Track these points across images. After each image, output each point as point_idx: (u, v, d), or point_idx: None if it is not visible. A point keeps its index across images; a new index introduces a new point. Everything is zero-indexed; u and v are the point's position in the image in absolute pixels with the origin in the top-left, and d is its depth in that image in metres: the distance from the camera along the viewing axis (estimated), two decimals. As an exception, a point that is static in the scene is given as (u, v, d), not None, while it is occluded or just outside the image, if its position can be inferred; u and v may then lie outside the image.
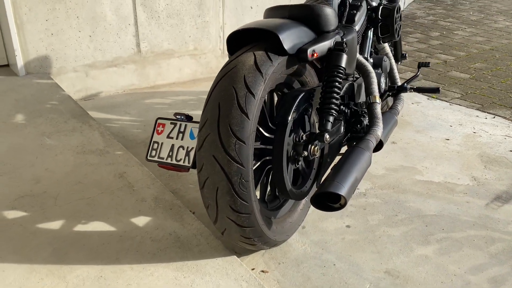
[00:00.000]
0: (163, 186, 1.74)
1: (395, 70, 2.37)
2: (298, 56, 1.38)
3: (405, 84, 2.26)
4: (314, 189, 1.63)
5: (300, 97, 1.40)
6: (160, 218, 1.57)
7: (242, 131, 1.22)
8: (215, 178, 1.24)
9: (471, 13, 6.16)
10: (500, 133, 2.66)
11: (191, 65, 3.38)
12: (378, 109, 1.77)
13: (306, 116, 1.50)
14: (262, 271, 1.47)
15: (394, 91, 2.26)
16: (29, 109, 2.28)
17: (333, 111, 1.45)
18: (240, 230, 1.31)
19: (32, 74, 2.71)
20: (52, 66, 2.78)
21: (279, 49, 1.34)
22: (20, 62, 2.66)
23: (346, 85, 1.75)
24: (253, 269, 1.48)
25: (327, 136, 1.43)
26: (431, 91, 2.22)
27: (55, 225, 1.50)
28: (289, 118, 1.36)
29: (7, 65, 2.84)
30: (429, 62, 2.36)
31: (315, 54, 1.40)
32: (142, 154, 2.19)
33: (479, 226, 1.74)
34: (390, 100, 2.60)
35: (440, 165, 2.24)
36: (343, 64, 1.47)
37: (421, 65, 2.39)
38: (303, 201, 1.66)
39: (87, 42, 2.86)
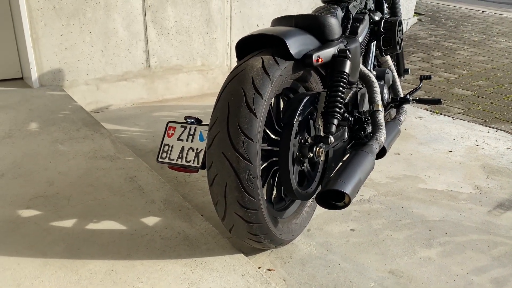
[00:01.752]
0: (172, 189, 1.79)
1: (398, 83, 2.43)
2: (304, 61, 1.45)
3: (408, 95, 2.32)
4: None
5: (305, 99, 1.47)
6: (169, 218, 1.61)
7: (250, 129, 1.27)
8: (224, 175, 1.29)
9: (473, 34, 6.27)
10: (503, 146, 2.70)
11: (199, 80, 3.47)
12: (381, 116, 1.83)
13: (311, 120, 1.56)
14: (268, 270, 1.51)
15: (397, 102, 2.32)
16: (42, 118, 2.36)
17: (337, 114, 1.51)
18: (248, 226, 1.35)
19: (46, 87, 2.80)
20: (65, 79, 2.87)
21: (285, 55, 1.41)
22: (34, 74, 2.75)
23: (350, 93, 1.81)
24: (259, 267, 1.51)
25: (331, 138, 1.49)
26: (433, 103, 2.28)
27: (68, 223, 1.55)
28: (295, 118, 1.42)
29: (21, 78, 2.94)
30: (430, 75, 2.43)
31: (320, 60, 1.47)
32: (151, 162, 2.25)
33: (482, 231, 1.77)
34: (393, 112, 2.66)
35: (443, 174, 2.28)
36: (347, 70, 1.54)
37: (423, 77, 2.46)
38: (308, 204, 1.70)
39: (99, 56, 2.95)
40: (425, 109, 3.40)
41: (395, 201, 1.99)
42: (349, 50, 1.56)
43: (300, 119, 1.44)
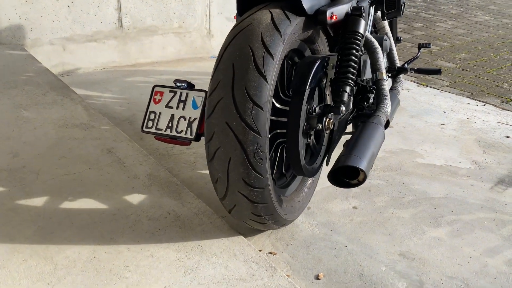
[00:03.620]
0: (157, 163, 1.60)
1: (395, 51, 2.28)
2: (316, 17, 1.26)
3: (405, 65, 2.18)
4: (324, 166, 1.52)
5: (317, 63, 1.29)
6: (156, 196, 1.43)
7: (260, 95, 1.09)
8: (228, 148, 1.11)
9: (450, 6, 6.21)
10: (493, 120, 2.63)
11: (175, 44, 3.21)
12: (386, 86, 1.67)
13: (319, 87, 1.39)
14: (270, 253, 1.36)
15: (394, 72, 2.18)
16: (1, 81, 2.07)
17: (350, 81, 1.34)
18: (252, 206, 1.19)
19: (4, 45, 2.48)
20: (26, 37, 2.56)
21: (296, 9, 1.22)
22: (-10, 30, 2.43)
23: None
24: (260, 250, 1.36)
25: (343, 108, 1.33)
26: (433, 73, 2.14)
27: (38, 201, 1.33)
28: (307, 85, 1.24)
29: (-25, 35, 2.60)
30: (429, 43, 2.29)
31: (334, 17, 1.29)
32: (129, 131, 2.03)
33: (487, 209, 1.68)
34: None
35: (439, 148, 2.18)
36: (361, 30, 1.37)
37: (421, 46, 2.31)
38: (310, 180, 1.55)
39: (65, 13, 2.65)
40: (411, 80, 3.29)
41: (395, 176, 1.87)
42: (363, 9, 1.39)
43: (312, 84, 1.26)
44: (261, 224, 1.28)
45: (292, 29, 1.18)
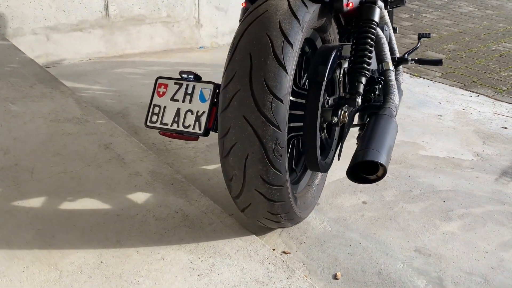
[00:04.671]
0: (159, 159, 1.52)
1: (394, 41, 2.24)
2: (332, 4, 1.20)
3: (406, 55, 2.15)
4: (336, 160, 1.47)
5: (334, 53, 1.22)
6: (160, 194, 1.35)
7: (280, 87, 1.02)
8: (245, 144, 1.04)
9: (434, -3, 6.23)
10: (488, 111, 2.63)
11: (163, 34, 3.10)
12: (392, 76, 1.63)
13: (332, 79, 1.33)
14: (284, 252, 1.30)
15: (394, 62, 2.13)
16: (-16, 72, 1.95)
17: (365, 71, 1.28)
18: (269, 205, 1.12)
19: (-16, 34, 2.34)
20: (7, 26, 2.42)
21: (312, -4, 1.15)
22: (-31, 19, 2.28)
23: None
24: (273, 249, 1.30)
25: (359, 100, 1.27)
26: (434, 63, 2.11)
27: (35, 202, 1.24)
28: (325, 76, 1.18)
29: (-48, 24, 2.44)
30: (429, 33, 2.26)
31: (350, 4, 1.23)
32: (124, 125, 1.93)
33: (495, 201, 1.66)
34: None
35: (440, 140, 2.16)
36: (376, 18, 1.31)
37: (421, 36, 2.28)
38: (319, 175, 1.50)
39: (49, 0, 2.51)
40: (404, 71, 3.27)
41: (400, 169, 1.84)
42: (377, -4, 1.33)
43: (330, 75, 1.20)
44: (276, 222, 1.22)
45: (310, 16, 1.11)
